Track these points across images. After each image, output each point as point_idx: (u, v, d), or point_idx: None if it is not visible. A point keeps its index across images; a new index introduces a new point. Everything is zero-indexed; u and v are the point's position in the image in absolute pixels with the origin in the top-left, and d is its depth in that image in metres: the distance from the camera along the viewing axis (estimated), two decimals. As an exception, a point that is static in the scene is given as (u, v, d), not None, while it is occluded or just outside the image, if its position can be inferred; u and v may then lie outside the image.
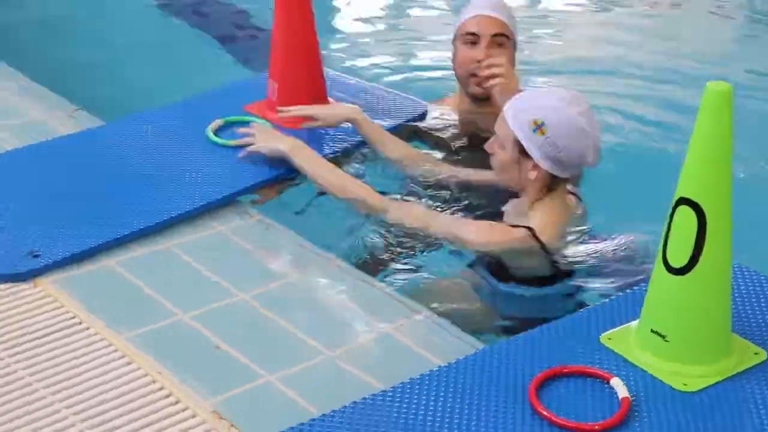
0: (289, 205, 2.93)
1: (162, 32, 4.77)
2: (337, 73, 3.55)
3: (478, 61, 2.97)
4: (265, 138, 2.92)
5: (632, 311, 2.24)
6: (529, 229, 2.50)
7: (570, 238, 2.61)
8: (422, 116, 3.29)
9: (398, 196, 2.87)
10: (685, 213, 2.02)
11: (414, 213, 2.68)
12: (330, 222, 2.85)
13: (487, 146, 2.61)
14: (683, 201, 2.02)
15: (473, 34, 3.00)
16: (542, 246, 2.50)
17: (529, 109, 2.48)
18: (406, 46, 4.53)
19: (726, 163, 2.00)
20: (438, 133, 3.20)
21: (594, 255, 2.64)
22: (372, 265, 2.69)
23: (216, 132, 3.09)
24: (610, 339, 2.21)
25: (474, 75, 3.01)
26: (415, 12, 5.21)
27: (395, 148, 3.02)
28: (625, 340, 2.20)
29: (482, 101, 3.04)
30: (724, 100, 1.95)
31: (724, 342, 2.14)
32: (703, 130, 1.97)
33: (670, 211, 2.05)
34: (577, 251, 2.62)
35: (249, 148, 2.93)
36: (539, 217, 2.54)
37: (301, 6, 3.13)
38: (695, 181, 2.00)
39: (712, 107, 1.95)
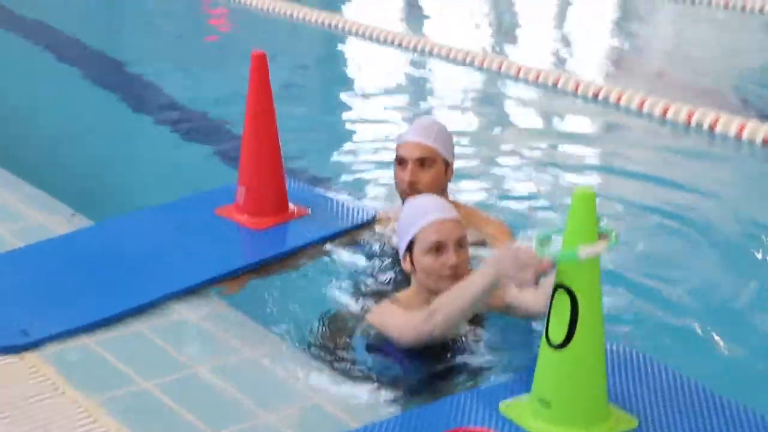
0: (250, 294, 3.17)
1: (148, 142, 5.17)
2: (297, 181, 3.84)
3: (407, 183, 3.24)
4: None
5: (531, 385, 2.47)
6: None
7: None
8: (370, 222, 3.56)
9: None
10: (561, 297, 2.29)
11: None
12: (283, 309, 3.10)
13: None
14: (559, 286, 2.29)
15: (402, 157, 3.29)
16: None
17: None
18: (365, 156, 4.90)
19: (594, 255, 2.28)
20: (379, 242, 3.46)
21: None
22: (317, 346, 2.92)
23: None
24: (507, 407, 2.45)
25: (405, 193, 3.26)
26: (371, 124, 5.59)
27: None
28: (520, 408, 2.43)
29: None
30: (588, 203, 2.24)
31: (600, 410, 2.37)
32: (573, 226, 2.25)
33: (551, 295, 2.32)
34: None
35: None
36: None
37: (267, 120, 3.46)
38: (568, 271, 2.27)
39: (579, 208, 2.24)
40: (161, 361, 2.68)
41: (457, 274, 2.71)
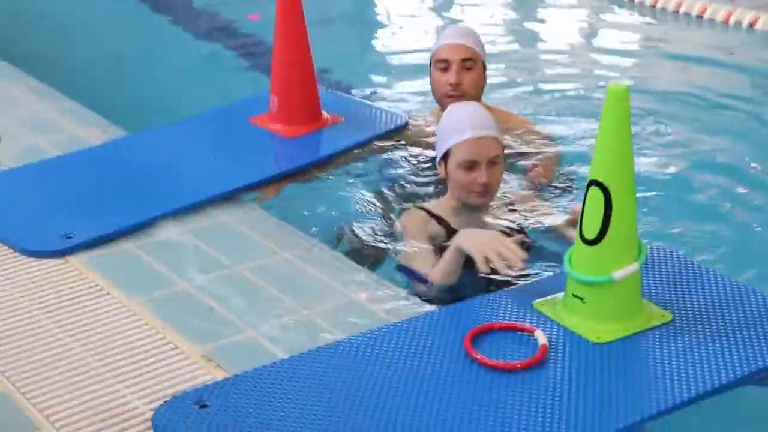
0: (286, 200, 3.22)
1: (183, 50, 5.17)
2: (329, 89, 3.84)
3: (450, 84, 3.25)
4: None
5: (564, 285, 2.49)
6: None
7: None
8: (403, 127, 3.57)
9: None
10: (595, 193, 2.29)
11: None
12: (318, 214, 3.14)
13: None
14: (593, 183, 2.29)
15: (444, 60, 3.28)
16: None
17: None
18: (396, 62, 4.88)
19: (627, 150, 2.27)
20: (418, 143, 3.49)
21: None
22: (352, 249, 2.97)
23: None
24: (542, 305, 2.48)
25: (449, 96, 3.27)
26: (405, 32, 5.56)
27: None
28: (554, 305, 2.46)
29: None
30: (622, 99, 2.22)
31: (634, 304, 2.40)
32: (607, 123, 2.25)
33: (585, 192, 2.32)
34: None
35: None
36: None
37: (297, 27, 3.45)
38: (602, 166, 2.27)
39: (613, 105, 2.23)
40: (200, 262, 2.74)
41: (488, 191, 2.76)
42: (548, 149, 3.37)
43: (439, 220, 2.83)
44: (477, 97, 3.29)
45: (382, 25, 5.78)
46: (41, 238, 2.82)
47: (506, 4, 6.02)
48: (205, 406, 2.11)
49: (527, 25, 5.53)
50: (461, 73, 3.25)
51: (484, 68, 3.34)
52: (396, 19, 5.85)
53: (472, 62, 3.27)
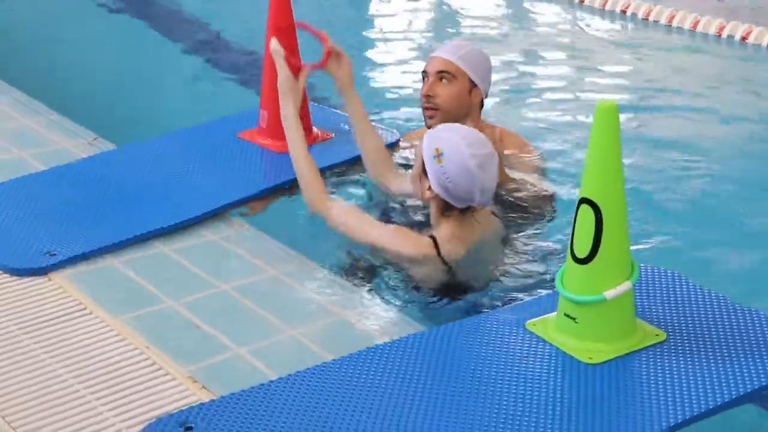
0: (274, 216, 3.19)
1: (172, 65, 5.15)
2: (319, 104, 3.82)
3: (423, 96, 3.22)
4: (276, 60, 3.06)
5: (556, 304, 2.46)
6: (433, 239, 2.70)
7: (475, 254, 2.77)
8: (394, 144, 3.55)
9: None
10: (586, 211, 2.27)
11: (348, 224, 2.78)
12: (306, 230, 3.11)
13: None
14: (584, 201, 2.27)
15: (424, 71, 3.25)
16: (440, 257, 2.70)
17: (437, 139, 2.66)
18: (391, 79, 4.86)
19: (617, 167, 2.25)
20: (402, 163, 3.44)
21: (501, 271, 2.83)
22: (340, 266, 2.94)
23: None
24: (534, 325, 2.45)
25: (423, 108, 3.24)
26: (401, 47, 5.55)
27: (370, 145, 3.16)
28: (545, 325, 2.44)
29: None
30: (611, 116, 2.21)
31: (627, 323, 2.38)
32: (596, 141, 2.23)
33: (575, 210, 2.30)
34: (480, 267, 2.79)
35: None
36: (443, 231, 2.72)
37: (289, 42, 3.42)
38: (592, 184, 2.25)
39: (602, 122, 2.21)
40: (187, 280, 2.71)
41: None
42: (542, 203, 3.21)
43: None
44: (454, 113, 3.17)
45: (375, 42, 5.77)
46: (24, 256, 2.79)
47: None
48: (189, 428, 2.08)
49: (520, 43, 5.52)
50: (435, 85, 3.18)
51: (474, 86, 3.21)
52: (391, 35, 5.85)
53: (450, 75, 3.17)
